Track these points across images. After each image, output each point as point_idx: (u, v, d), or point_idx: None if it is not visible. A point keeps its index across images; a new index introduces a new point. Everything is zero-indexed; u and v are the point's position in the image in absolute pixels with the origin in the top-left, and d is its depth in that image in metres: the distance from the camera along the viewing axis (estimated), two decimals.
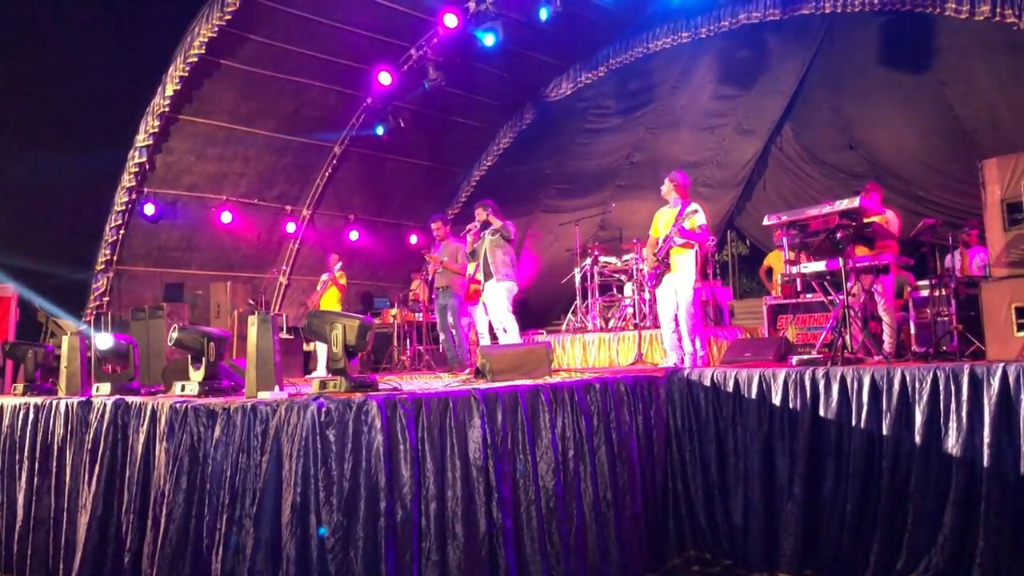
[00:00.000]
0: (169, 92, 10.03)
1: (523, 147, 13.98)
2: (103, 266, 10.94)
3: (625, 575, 5.11)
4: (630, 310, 10.59)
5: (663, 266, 7.43)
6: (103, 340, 5.83)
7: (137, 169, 10.56)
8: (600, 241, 12.39)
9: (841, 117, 11.47)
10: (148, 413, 4.60)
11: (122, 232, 10.92)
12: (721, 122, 12.52)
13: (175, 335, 4.92)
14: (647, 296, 9.96)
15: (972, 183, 6.63)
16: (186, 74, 9.93)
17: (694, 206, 7.43)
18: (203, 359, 4.97)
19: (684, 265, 7.32)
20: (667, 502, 5.83)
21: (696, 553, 5.73)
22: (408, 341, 11.87)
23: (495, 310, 8.52)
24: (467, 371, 8.52)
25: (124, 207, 10.75)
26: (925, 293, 7.67)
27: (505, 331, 8.43)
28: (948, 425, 4.80)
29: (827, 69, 11.21)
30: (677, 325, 7.47)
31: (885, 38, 10.23)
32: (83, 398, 5.25)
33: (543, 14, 10.07)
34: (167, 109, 10.22)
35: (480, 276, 8.85)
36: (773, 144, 12.36)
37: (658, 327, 8.07)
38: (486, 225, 8.78)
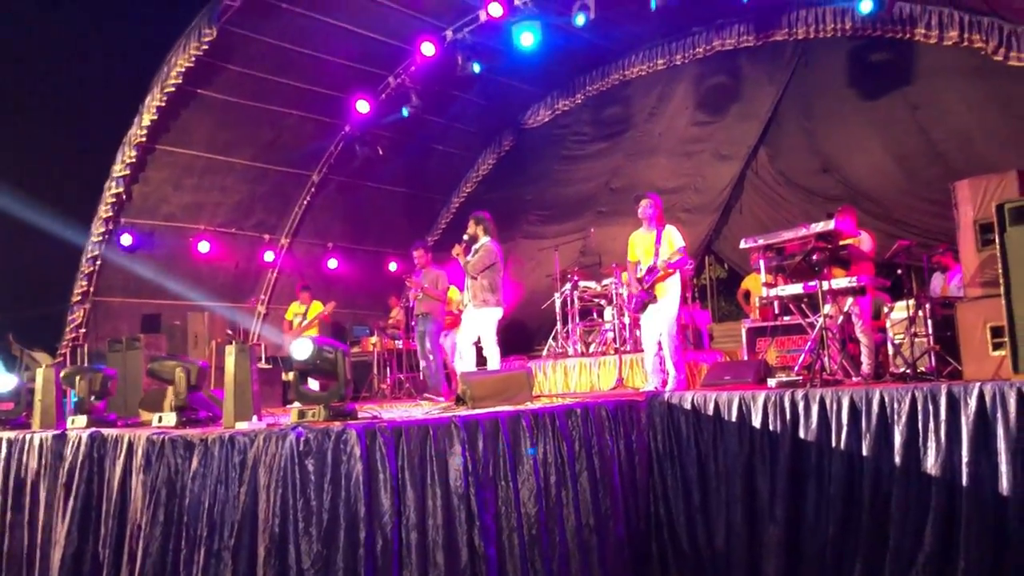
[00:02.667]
0: (146, 122, 10.00)
1: (502, 174, 14.02)
2: (79, 298, 10.83)
3: None
4: (610, 334, 10.60)
5: (649, 295, 7.43)
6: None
7: (114, 199, 10.50)
8: (581, 266, 12.42)
9: (815, 141, 11.59)
10: (124, 445, 4.55)
11: (99, 263, 10.84)
12: (698, 148, 12.62)
13: None
14: (627, 320, 9.97)
15: (946, 204, 6.71)
16: (163, 104, 9.91)
17: (670, 229, 7.49)
18: None
19: (669, 289, 7.37)
20: (650, 527, 5.81)
21: None
22: (388, 369, 11.80)
23: (484, 335, 8.14)
24: (442, 399, 8.41)
25: (101, 238, 10.68)
26: (902, 314, 7.72)
27: (486, 357, 8.24)
28: (927, 445, 4.82)
29: (801, 94, 11.35)
30: (660, 349, 7.48)
31: (857, 63, 10.38)
32: (58, 431, 5.18)
33: (528, 40, 10.04)
34: (144, 139, 10.18)
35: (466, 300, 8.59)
36: (749, 168, 12.47)
37: (639, 351, 8.06)
38: (474, 240, 8.23)
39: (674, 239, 7.40)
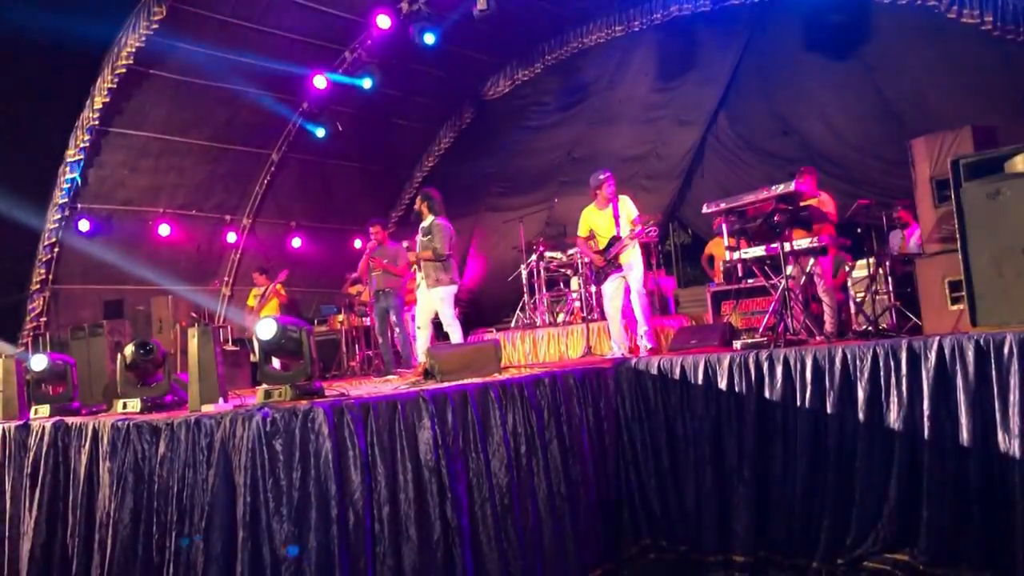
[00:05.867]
0: (98, 105, 9.82)
1: (464, 147, 13.96)
2: (38, 286, 10.66)
3: (582, 567, 5.14)
4: (577, 304, 10.63)
5: (613, 267, 7.50)
6: (38, 361, 5.69)
7: (69, 184, 10.32)
8: (546, 237, 12.42)
9: (775, 104, 11.62)
10: (89, 433, 4.50)
11: (56, 250, 10.66)
12: (659, 114, 12.62)
13: None
14: (593, 289, 10.00)
15: (903, 163, 6.79)
16: (114, 86, 9.74)
17: (625, 200, 7.56)
18: None
19: (634, 258, 7.44)
20: (621, 492, 5.86)
21: (652, 540, 5.76)
22: (357, 346, 11.76)
23: (441, 314, 8.14)
24: (395, 374, 8.38)
25: (57, 224, 10.50)
26: (863, 272, 7.82)
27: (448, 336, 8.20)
28: (889, 400, 4.90)
29: (759, 58, 11.37)
30: (623, 317, 7.55)
31: (814, 24, 10.41)
32: (21, 422, 5.11)
33: (480, 3, 10.00)
34: (97, 122, 10.00)
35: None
36: (710, 134, 12.49)
37: (606, 319, 8.09)
38: (420, 217, 8.25)
39: (632, 209, 7.49)
